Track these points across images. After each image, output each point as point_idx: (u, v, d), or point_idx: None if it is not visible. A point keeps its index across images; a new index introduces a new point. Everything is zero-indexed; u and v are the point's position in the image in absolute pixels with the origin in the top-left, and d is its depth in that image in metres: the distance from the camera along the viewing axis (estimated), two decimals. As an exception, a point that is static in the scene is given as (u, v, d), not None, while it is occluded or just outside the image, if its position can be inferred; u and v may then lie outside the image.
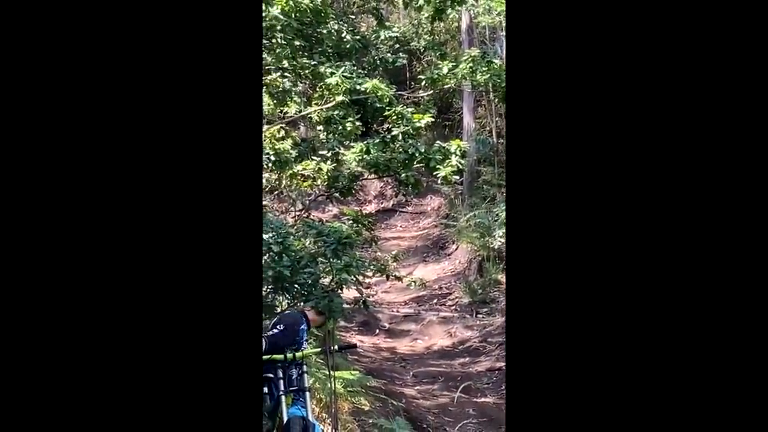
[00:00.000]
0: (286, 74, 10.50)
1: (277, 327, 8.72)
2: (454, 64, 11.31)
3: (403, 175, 10.89)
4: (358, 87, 10.21)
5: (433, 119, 11.66)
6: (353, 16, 12.23)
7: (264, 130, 10.31)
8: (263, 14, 9.62)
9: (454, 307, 16.69)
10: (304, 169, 10.53)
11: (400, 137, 10.32)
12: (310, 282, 9.59)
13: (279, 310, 9.63)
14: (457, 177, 13.46)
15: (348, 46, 11.04)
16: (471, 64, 11.01)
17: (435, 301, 17.74)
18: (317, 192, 12.68)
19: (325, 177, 10.56)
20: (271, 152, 10.31)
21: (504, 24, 12.68)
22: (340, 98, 10.20)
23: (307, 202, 13.87)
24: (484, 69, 11.03)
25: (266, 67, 10.19)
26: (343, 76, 10.13)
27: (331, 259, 9.91)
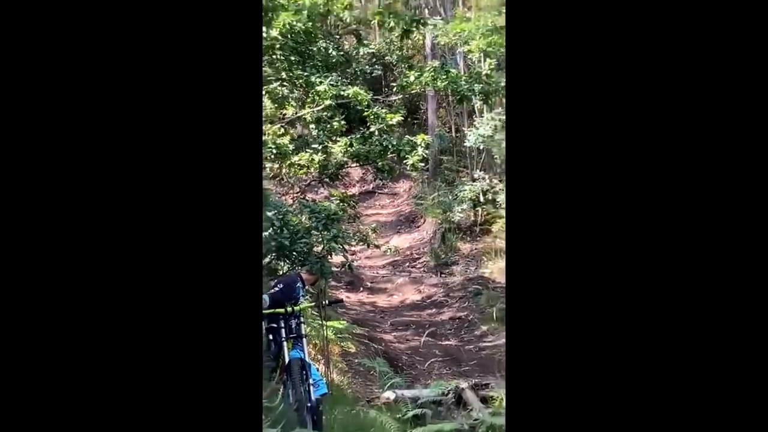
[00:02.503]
0: (284, 83, 10.55)
1: (278, 286, 8.78)
2: (419, 73, 11.32)
3: (379, 163, 10.94)
4: (342, 93, 10.24)
5: (403, 118, 11.70)
6: (338, 36, 12.19)
7: (267, 128, 10.35)
8: (264, 35, 9.67)
9: (422, 269, 16.71)
10: (300, 159, 10.57)
11: (377, 133, 10.37)
12: (305, 250, 9.78)
13: (280, 273, 9.69)
14: (423, 164, 13.49)
15: (334, 60, 11.06)
16: (433, 74, 11.04)
17: (407, 264, 17.74)
18: (310, 178, 12.71)
19: (317, 166, 10.60)
20: (273, 146, 10.35)
21: (460, 41, 12.69)
22: (327, 102, 10.25)
23: (303, 186, 13.89)
24: (443, 77, 11.05)
25: (268, 78, 10.21)
26: (330, 84, 10.17)
27: (322, 232, 10.06)
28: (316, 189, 14.66)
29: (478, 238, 16.90)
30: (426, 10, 15.71)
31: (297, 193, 13.13)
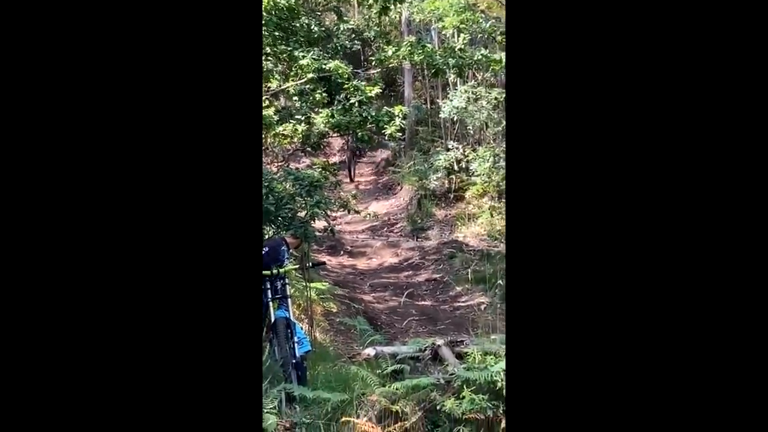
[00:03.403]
0: (268, 58, 10.48)
1: (264, 250, 8.79)
2: (396, 48, 11.28)
3: (359, 133, 10.90)
4: (324, 67, 10.21)
5: (381, 90, 11.64)
6: (319, 13, 12.10)
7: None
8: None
9: (399, 233, 16.78)
10: (284, 130, 10.53)
11: (357, 104, 10.32)
12: (289, 215, 9.76)
13: (266, 237, 9.65)
14: (400, 134, 13.51)
15: (315, 36, 11.01)
16: (409, 48, 10.99)
17: (385, 229, 17.88)
18: (294, 147, 12.62)
19: (300, 136, 10.58)
20: (258, 118, 10.36)
21: (435, 18, 12.60)
22: (310, 75, 10.19)
23: (287, 155, 13.80)
24: (419, 51, 10.99)
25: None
26: (312, 58, 10.11)
27: (305, 198, 9.94)
28: (299, 158, 14.60)
29: (452, 205, 16.94)
30: None
31: (281, 162, 13.03)
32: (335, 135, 13.13)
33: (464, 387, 7.76)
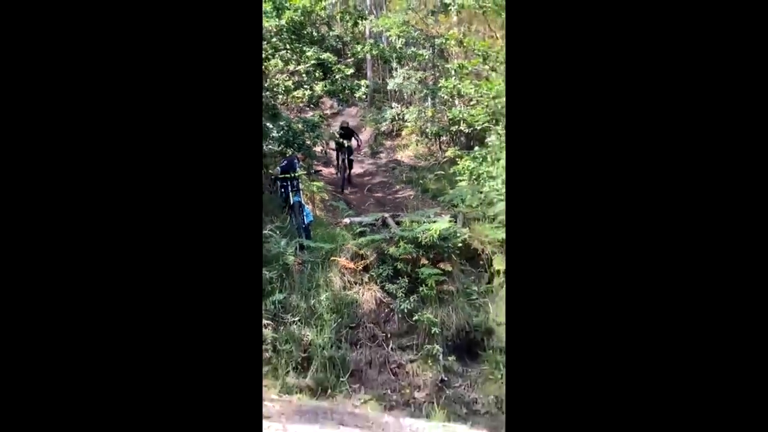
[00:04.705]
0: (287, 51, 10.58)
1: (284, 162, 9.24)
2: (362, 46, 11.70)
3: (341, 96, 11.66)
4: (320, 56, 10.37)
5: (353, 71, 11.77)
6: (317, 24, 12.13)
7: (279, 78, 10.39)
8: (276, 23, 9.71)
9: (364, 154, 16.73)
10: (297, 93, 10.72)
11: (339, 79, 10.67)
12: (300, 142, 9.97)
13: (287, 154, 9.81)
14: (365, 97, 14.08)
15: (315, 39, 11.13)
16: (370, 47, 11.24)
17: (355, 152, 17.71)
18: (303, 104, 12.76)
19: (306, 97, 10.77)
20: (284, 87, 10.53)
21: (385, 29, 12.62)
22: (313, 62, 10.35)
23: (299, 108, 13.91)
24: (376, 49, 11.35)
25: (279, 49, 10.22)
26: (313, 51, 10.33)
27: (310, 132, 10.28)
28: (306, 111, 14.63)
29: (395, 139, 16.96)
30: (366, 10, 15.49)
31: (296, 113, 13.17)
32: (327, 97, 13.05)
33: (400, 240, 8.20)
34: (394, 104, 16.98)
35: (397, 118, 16.32)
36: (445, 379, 7.08)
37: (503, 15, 9.22)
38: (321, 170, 12.63)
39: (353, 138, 13.13)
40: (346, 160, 13.13)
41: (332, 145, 13.39)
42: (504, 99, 8.92)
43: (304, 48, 10.29)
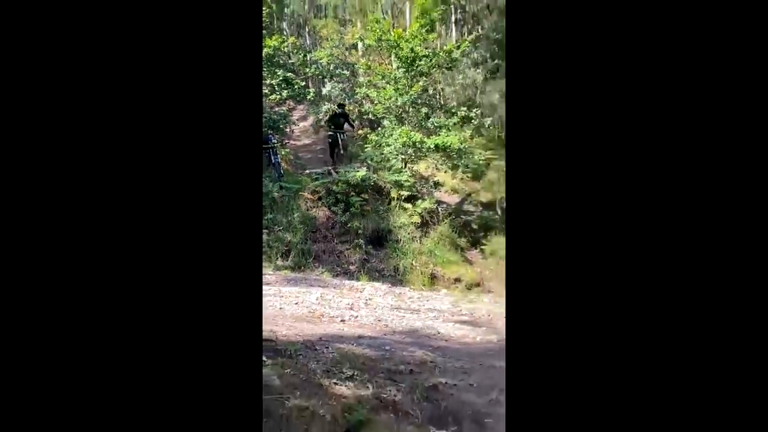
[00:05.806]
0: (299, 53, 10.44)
1: (268, 136, 9.04)
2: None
3: None
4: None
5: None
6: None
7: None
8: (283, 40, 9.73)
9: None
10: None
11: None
12: (279, 126, 10.03)
13: (267, 133, 9.41)
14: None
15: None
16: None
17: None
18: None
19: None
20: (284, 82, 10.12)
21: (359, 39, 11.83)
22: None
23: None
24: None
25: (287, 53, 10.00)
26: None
27: (287, 117, 10.36)
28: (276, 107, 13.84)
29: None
30: (308, 48, 15.44)
31: (270, 108, 13.00)
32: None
33: (339, 182, 8.36)
34: (326, 103, 17.22)
35: (328, 111, 16.53)
36: (366, 258, 7.61)
37: (394, 50, 9.90)
38: (288, 142, 12.86)
39: (346, 122, 9.95)
40: (339, 139, 9.80)
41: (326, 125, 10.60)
42: (393, 99, 9.13)
43: (275, 69, 10.60)
